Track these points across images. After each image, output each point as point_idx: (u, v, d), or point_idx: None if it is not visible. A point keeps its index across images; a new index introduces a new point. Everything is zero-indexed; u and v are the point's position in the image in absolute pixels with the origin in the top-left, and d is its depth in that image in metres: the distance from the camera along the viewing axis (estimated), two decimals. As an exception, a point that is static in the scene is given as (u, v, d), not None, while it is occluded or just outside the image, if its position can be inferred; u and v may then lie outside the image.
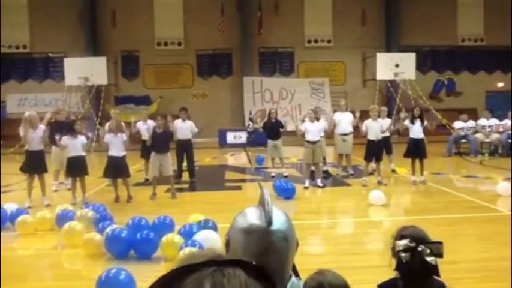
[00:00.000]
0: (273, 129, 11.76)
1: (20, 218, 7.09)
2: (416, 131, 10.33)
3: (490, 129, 15.34)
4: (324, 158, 11.38)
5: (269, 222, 1.22)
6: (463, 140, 15.61)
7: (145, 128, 10.62)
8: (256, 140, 18.65)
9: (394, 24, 23.13)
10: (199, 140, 15.51)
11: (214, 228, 6.15)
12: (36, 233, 7.03)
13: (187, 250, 5.19)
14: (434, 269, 2.10)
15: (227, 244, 1.28)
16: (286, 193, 9.17)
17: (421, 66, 22.15)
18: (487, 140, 15.28)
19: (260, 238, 1.22)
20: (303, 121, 10.64)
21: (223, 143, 19.99)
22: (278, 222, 1.24)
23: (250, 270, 0.74)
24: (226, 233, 1.29)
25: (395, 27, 23.10)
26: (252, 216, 1.25)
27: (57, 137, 9.40)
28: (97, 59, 20.54)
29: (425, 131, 10.48)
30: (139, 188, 10.41)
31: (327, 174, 11.28)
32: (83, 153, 9.20)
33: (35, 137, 8.84)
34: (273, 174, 11.68)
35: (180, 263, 0.77)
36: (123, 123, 9.57)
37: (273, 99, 22.78)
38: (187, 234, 5.86)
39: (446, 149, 15.37)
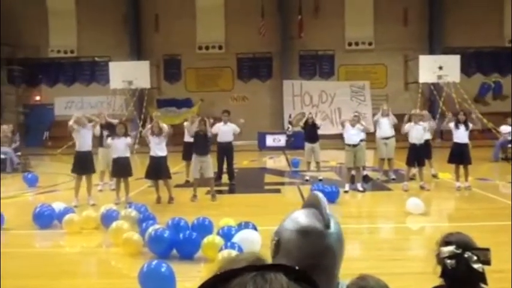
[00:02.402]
0: (310, 132, 11.73)
1: (66, 217, 7.33)
2: (460, 135, 10.04)
3: (539, 134, 14.75)
4: (364, 162, 11.24)
5: (327, 225, 1.23)
6: (510, 145, 15.08)
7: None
8: (295, 143, 18.60)
9: (437, 25, 22.57)
10: (239, 142, 15.59)
11: (254, 230, 6.18)
12: (82, 232, 7.26)
13: (226, 252, 5.24)
14: (481, 277, 2.04)
15: (277, 245, 1.26)
16: (329, 196, 9.09)
17: (466, 69, 21.51)
18: (536, 145, 14.70)
19: (317, 240, 1.22)
20: (343, 125, 10.56)
21: (262, 146, 20.05)
22: (332, 225, 1.25)
23: (292, 274, 0.74)
24: (275, 233, 1.28)
25: (439, 28, 22.54)
26: (309, 218, 1.25)
27: (106, 137, 9.68)
28: (141, 63, 21.10)
29: (471, 135, 10.18)
30: (180, 189, 10.57)
31: (367, 179, 11.14)
32: (128, 154, 9.45)
33: (83, 139, 9.16)
34: (307, 177, 11.64)
35: (221, 267, 0.78)
36: (164, 125, 9.72)
37: (313, 103, 22.67)
38: (227, 235, 5.92)
39: (493, 154, 14.88)
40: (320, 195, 1.29)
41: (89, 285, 5.42)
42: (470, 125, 10.07)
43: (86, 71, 23.91)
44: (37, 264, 5.91)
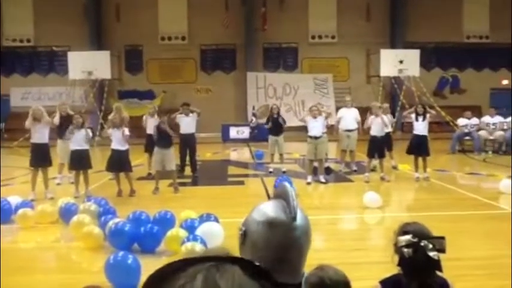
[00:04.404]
0: (275, 125, 11.74)
1: (20, 212, 7.08)
2: (420, 128, 10.30)
3: (494, 127, 15.27)
4: (326, 154, 11.37)
5: (294, 217, 1.21)
6: (467, 137, 15.56)
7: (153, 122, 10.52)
8: (259, 135, 18.63)
9: (399, 20, 23.02)
10: (202, 134, 15.50)
11: (216, 222, 6.15)
12: (36, 226, 7.03)
13: (190, 244, 5.19)
14: (437, 264, 2.09)
15: (243, 236, 1.25)
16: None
17: (426, 63, 22.06)
18: (491, 138, 15.21)
19: (285, 233, 1.21)
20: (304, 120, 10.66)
21: (226, 138, 20.00)
22: (299, 217, 1.23)
23: (249, 268, 0.73)
24: (242, 224, 1.26)
25: (400, 24, 22.99)
26: (276, 210, 1.23)
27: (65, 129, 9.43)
28: (101, 53, 20.57)
29: (429, 127, 10.47)
30: (142, 182, 10.42)
31: (329, 170, 11.28)
32: (87, 147, 9.22)
33: (40, 131, 8.88)
34: (270, 169, 11.67)
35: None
36: (125, 117, 9.52)
37: (277, 95, 22.74)
38: (189, 228, 5.86)
39: (450, 146, 15.32)
40: (288, 186, 1.27)
41: (49, 280, 5.26)
42: (428, 116, 10.36)
43: (44, 61, 23.13)
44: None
